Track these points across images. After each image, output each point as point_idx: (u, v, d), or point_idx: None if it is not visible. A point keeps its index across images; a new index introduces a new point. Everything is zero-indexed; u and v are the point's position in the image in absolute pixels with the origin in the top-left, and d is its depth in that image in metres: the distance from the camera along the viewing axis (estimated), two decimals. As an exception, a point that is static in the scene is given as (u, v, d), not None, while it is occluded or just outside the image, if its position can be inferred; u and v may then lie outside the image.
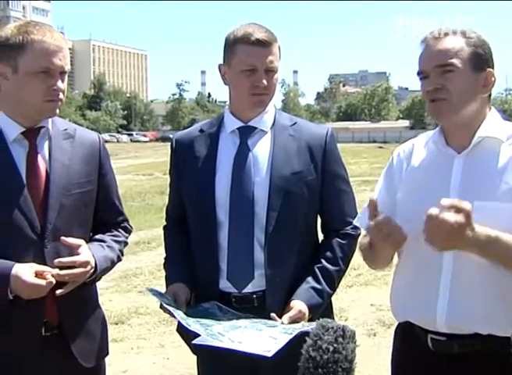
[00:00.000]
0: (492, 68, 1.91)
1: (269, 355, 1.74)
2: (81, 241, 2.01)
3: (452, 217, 1.65)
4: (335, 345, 1.09)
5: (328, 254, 2.19)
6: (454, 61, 1.85)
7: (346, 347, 1.10)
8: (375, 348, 4.85)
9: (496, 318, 1.82)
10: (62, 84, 2.00)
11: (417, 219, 1.80)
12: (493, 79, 1.91)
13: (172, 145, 2.31)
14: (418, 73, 1.93)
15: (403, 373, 2.06)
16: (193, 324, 1.90)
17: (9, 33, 1.96)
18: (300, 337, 1.72)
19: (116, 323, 5.70)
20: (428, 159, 1.99)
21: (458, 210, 1.66)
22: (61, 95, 2.01)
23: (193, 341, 1.84)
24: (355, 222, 2.19)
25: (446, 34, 1.89)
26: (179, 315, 1.94)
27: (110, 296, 6.64)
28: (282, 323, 1.98)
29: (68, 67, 2.02)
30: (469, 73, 1.86)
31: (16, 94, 1.99)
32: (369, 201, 1.85)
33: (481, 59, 1.88)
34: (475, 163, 1.89)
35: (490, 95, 1.94)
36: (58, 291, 1.93)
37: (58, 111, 2.04)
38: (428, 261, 1.87)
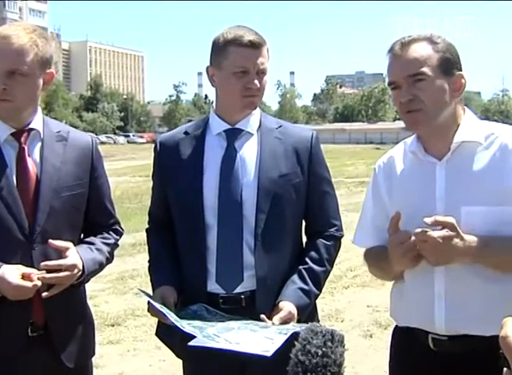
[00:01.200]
0: (461, 70, 1.90)
1: (268, 354, 1.73)
2: (69, 244, 1.99)
3: (435, 233, 1.72)
4: (323, 349, 1.09)
5: (315, 255, 2.19)
6: (424, 70, 1.83)
7: (335, 351, 1.10)
8: (372, 349, 4.86)
9: (495, 318, 1.81)
10: (5, 85, 1.92)
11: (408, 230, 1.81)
12: (463, 81, 1.89)
13: (156, 148, 2.27)
14: (389, 84, 1.92)
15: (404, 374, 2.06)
16: (187, 326, 1.88)
17: None
18: (289, 340, 1.72)
19: (113, 325, 5.69)
20: (410, 170, 1.98)
21: (443, 225, 1.72)
22: (7, 97, 1.94)
23: (190, 343, 1.81)
24: (352, 241, 2.18)
25: (412, 42, 1.87)
26: (173, 317, 1.92)
27: (106, 298, 6.63)
28: (273, 324, 1.97)
29: (24, 67, 1.93)
30: (440, 79, 1.84)
31: None
32: (395, 213, 1.83)
33: (450, 64, 1.86)
34: (457, 169, 1.88)
35: (462, 98, 1.92)
36: (44, 294, 1.92)
37: (13, 113, 1.99)
38: (421, 270, 1.87)
